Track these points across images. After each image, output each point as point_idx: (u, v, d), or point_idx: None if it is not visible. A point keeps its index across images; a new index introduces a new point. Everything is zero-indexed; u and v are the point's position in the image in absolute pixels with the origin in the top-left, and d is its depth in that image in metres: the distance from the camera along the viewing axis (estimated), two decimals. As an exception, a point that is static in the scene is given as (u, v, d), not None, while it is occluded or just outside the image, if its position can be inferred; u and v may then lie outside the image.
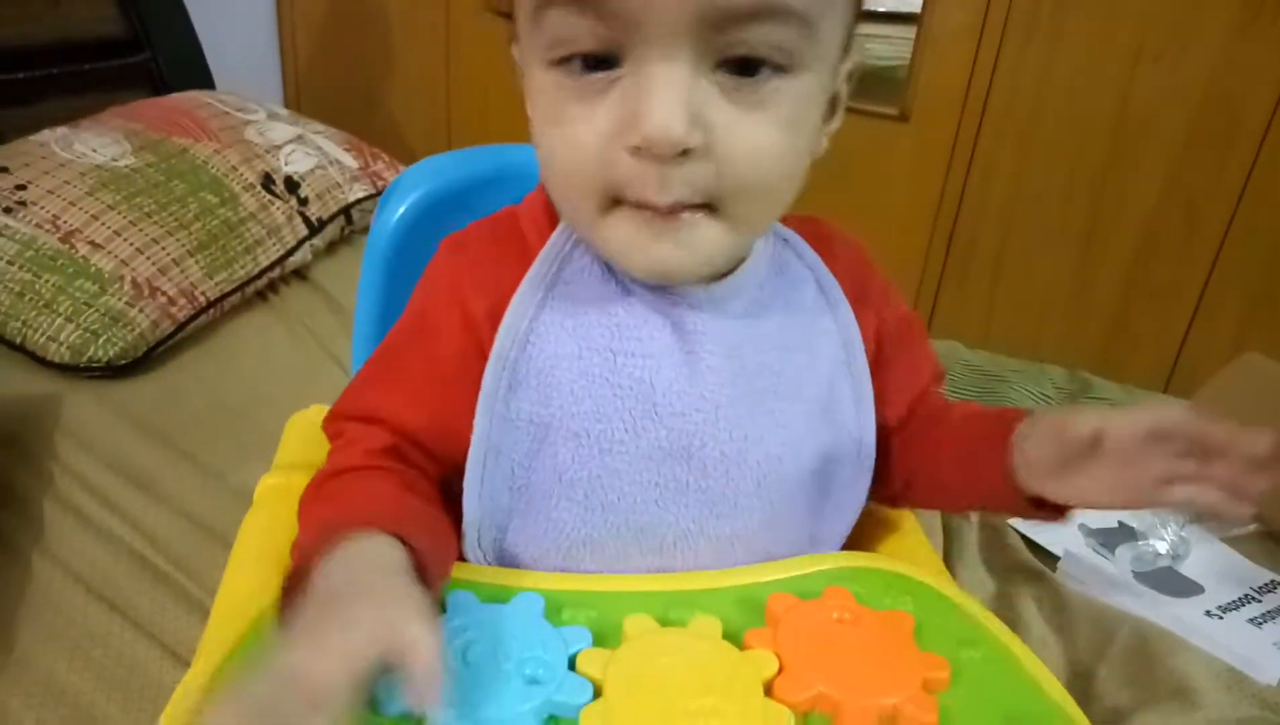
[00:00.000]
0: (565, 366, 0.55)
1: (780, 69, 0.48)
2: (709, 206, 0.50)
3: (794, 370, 0.60)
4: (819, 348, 0.61)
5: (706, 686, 0.47)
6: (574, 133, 0.50)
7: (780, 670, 0.49)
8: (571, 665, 0.48)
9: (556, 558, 0.57)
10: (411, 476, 0.55)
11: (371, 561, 0.45)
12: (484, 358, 0.56)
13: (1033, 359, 1.52)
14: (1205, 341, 1.66)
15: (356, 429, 0.57)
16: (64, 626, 0.81)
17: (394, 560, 0.46)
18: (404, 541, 0.47)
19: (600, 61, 0.48)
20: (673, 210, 0.50)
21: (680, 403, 0.56)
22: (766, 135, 0.49)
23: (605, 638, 0.50)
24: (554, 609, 0.52)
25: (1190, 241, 1.62)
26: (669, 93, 0.47)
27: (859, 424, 0.62)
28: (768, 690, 0.48)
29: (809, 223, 0.64)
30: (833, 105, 0.55)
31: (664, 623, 0.52)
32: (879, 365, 0.63)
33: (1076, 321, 1.75)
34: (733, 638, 0.51)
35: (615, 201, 0.51)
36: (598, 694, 0.47)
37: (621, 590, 0.55)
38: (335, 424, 0.59)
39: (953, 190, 1.76)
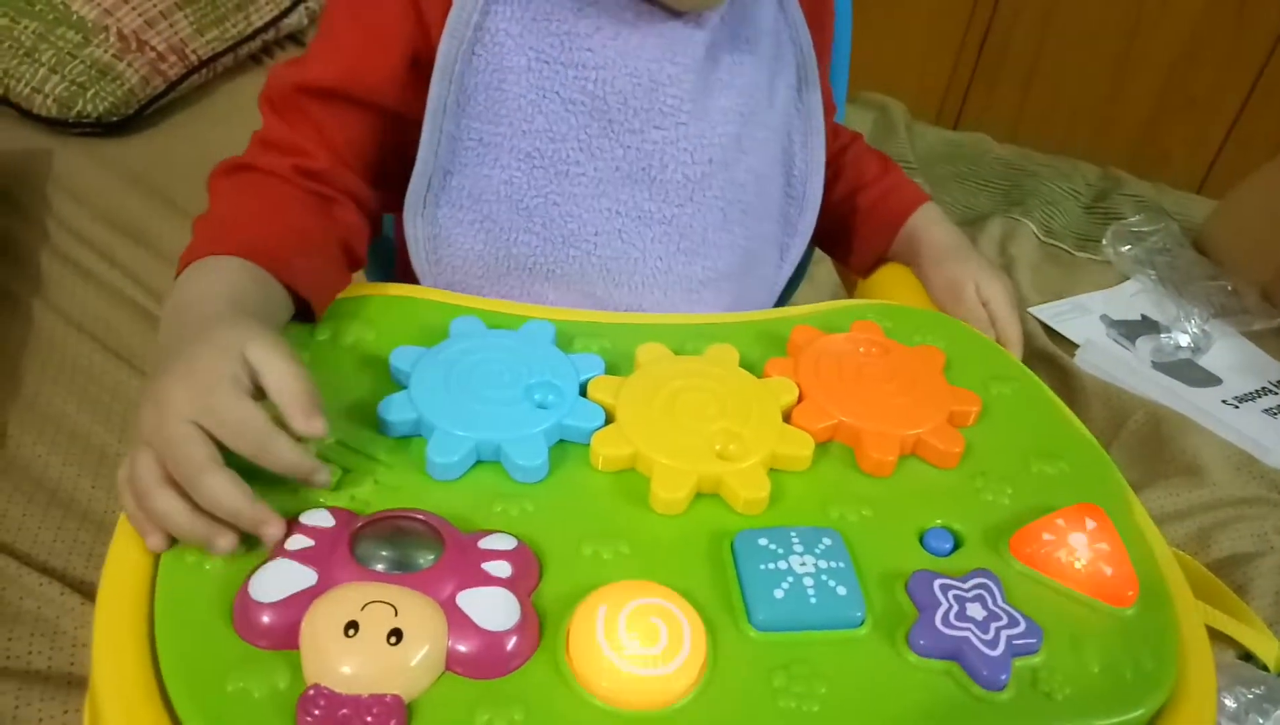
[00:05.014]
0: (514, 80, 0.51)
1: None
2: None
3: (759, 90, 0.56)
4: (779, 72, 0.57)
5: (722, 411, 0.46)
6: None
7: (800, 399, 0.47)
8: (583, 392, 0.47)
9: (518, 291, 0.54)
10: (319, 201, 0.51)
11: (200, 310, 0.43)
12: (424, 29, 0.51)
13: (1063, 155, 1.45)
14: (1241, 152, 1.59)
15: (289, 133, 0.51)
16: (70, 372, 0.80)
17: (226, 301, 0.43)
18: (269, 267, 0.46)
19: None
20: None
21: (638, 120, 0.52)
22: None
23: (618, 367, 0.48)
24: (565, 338, 0.50)
25: (1235, 52, 1.51)
26: None
27: (807, 157, 0.60)
28: (786, 418, 0.47)
29: None
30: None
31: (679, 353, 0.49)
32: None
33: (1108, 124, 1.66)
34: (751, 368, 0.49)
35: None
36: (609, 420, 0.45)
37: (636, 322, 0.53)
38: (274, 105, 0.53)
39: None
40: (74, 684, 0.56)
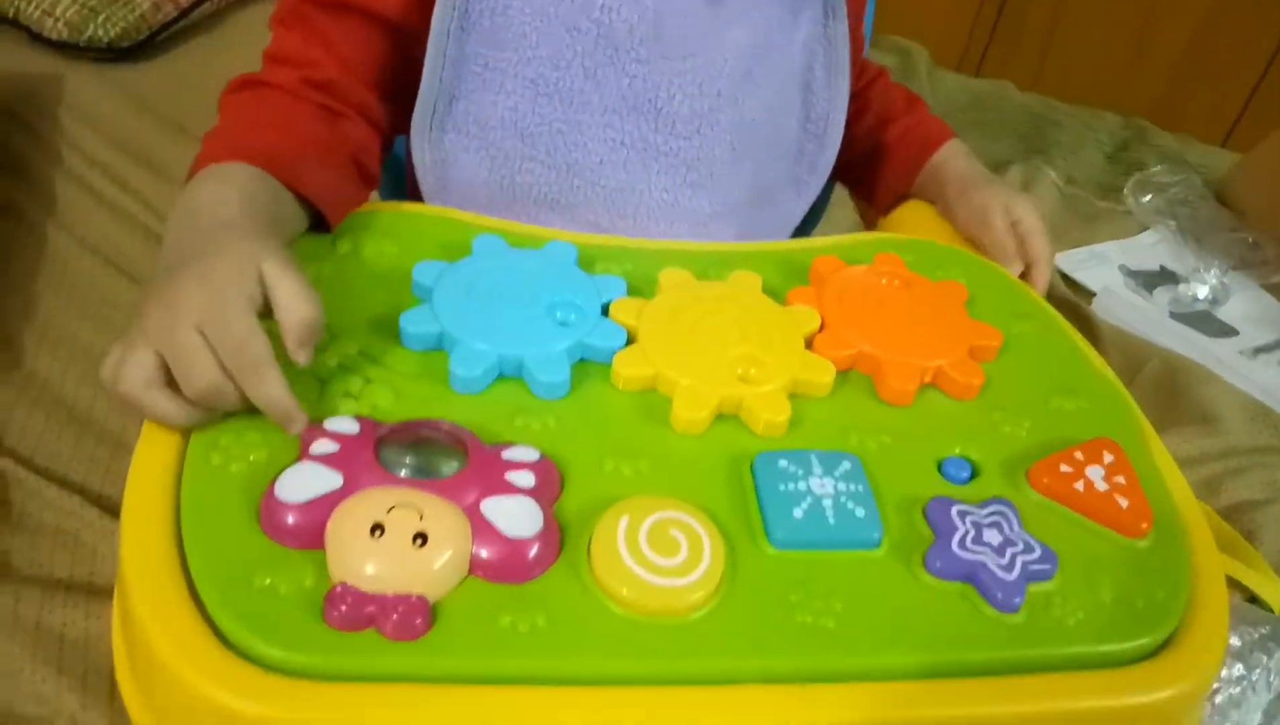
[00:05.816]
0: (518, 5, 0.50)
1: None
2: None
3: (775, 24, 0.55)
4: (803, 4, 0.56)
5: (744, 336, 0.45)
6: None
7: (822, 327, 0.47)
8: (604, 312, 0.46)
9: (524, 219, 0.54)
10: (328, 114, 0.51)
11: (214, 215, 0.42)
12: None
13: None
14: (1265, 109, 1.56)
15: (298, 45, 0.51)
16: (84, 293, 0.80)
17: (240, 207, 0.43)
18: (280, 177, 0.45)
19: None
20: None
21: (644, 49, 0.51)
22: None
23: (640, 290, 0.48)
24: (587, 261, 0.49)
25: (1261, 9, 1.48)
26: None
27: (830, 96, 0.58)
28: (808, 345, 0.46)
29: None
30: None
31: (701, 278, 0.49)
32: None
33: (1132, 77, 1.63)
34: (774, 295, 0.49)
35: None
36: (631, 341, 0.45)
37: (657, 247, 0.52)
38: (283, 20, 0.53)
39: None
40: (94, 593, 0.57)
